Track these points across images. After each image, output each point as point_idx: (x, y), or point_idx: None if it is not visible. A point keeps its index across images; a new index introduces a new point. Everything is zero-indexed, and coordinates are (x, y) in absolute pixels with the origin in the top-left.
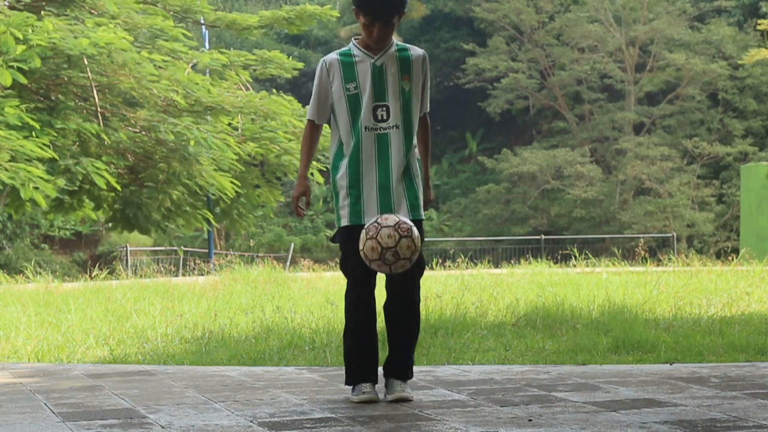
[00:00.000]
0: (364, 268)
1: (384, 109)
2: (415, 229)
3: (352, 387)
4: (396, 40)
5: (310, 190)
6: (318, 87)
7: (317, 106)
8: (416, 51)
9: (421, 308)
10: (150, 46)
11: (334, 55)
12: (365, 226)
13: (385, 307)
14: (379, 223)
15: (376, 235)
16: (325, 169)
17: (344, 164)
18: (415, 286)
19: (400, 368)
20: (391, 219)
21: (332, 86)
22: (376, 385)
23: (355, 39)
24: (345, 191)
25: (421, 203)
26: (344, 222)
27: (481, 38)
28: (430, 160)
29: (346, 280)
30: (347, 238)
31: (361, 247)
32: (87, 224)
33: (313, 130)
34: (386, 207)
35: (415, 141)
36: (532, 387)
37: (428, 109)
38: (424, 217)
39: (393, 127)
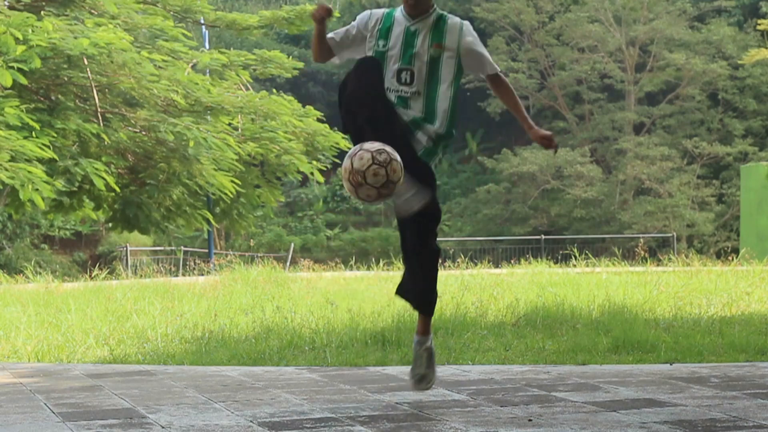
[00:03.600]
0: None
1: (408, 72)
2: (395, 163)
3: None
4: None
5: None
6: (353, 26)
7: (341, 38)
8: (453, 19)
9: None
10: (150, 46)
11: (381, 11)
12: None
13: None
14: (362, 148)
15: (352, 156)
16: (325, 169)
17: None
18: (432, 234)
19: (423, 301)
20: (375, 145)
21: (367, 37)
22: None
23: (401, 6)
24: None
25: (429, 151)
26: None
27: (481, 38)
28: (523, 110)
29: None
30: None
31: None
32: (87, 224)
33: (324, 49)
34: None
35: (439, 106)
36: (532, 387)
37: (495, 71)
38: (430, 163)
39: (414, 92)
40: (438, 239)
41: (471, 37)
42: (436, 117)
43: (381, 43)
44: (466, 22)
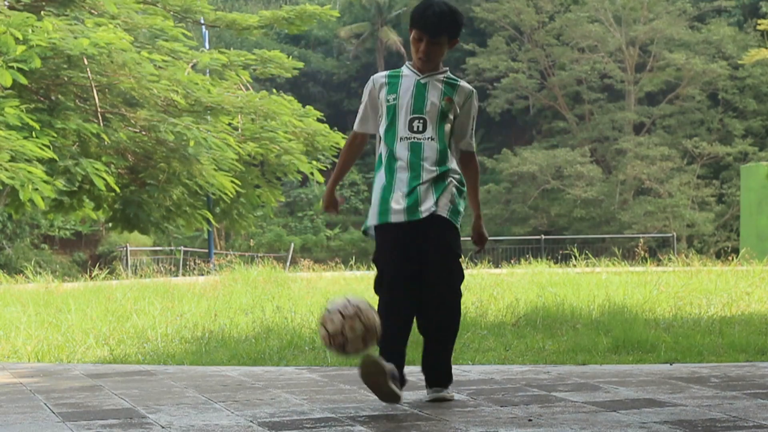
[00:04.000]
0: (398, 267)
1: (421, 121)
2: (361, 308)
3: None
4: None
5: (337, 200)
6: (366, 101)
7: (362, 118)
8: (465, 85)
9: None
10: (150, 46)
11: (383, 73)
12: (323, 316)
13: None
14: (328, 310)
15: (324, 323)
16: (325, 169)
17: (381, 172)
18: (449, 292)
19: (442, 377)
20: (337, 302)
21: (379, 99)
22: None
23: (407, 62)
24: (378, 194)
25: (451, 205)
26: (371, 221)
27: (481, 38)
28: (478, 199)
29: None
30: (377, 235)
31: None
32: (87, 224)
33: (353, 139)
34: (413, 207)
35: (450, 156)
36: (532, 387)
37: (473, 148)
38: (455, 223)
39: (428, 138)
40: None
41: (474, 108)
42: (450, 163)
43: (391, 97)
44: (475, 92)
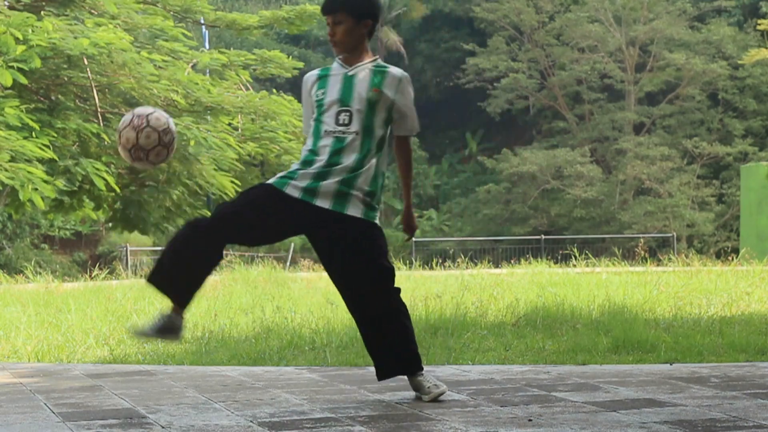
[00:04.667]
0: (232, 217)
1: (347, 114)
2: (173, 140)
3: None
4: (381, 60)
5: None
6: (303, 101)
7: (305, 119)
8: (395, 70)
9: (409, 310)
10: (150, 46)
11: (313, 72)
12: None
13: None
14: (148, 119)
15: (138, 129)
16: None
17: (301, 160)
18: (382, 297)
19: (409, 361)
20: (162, 120)
21: (311, 97)
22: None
23: (338, 57)
24: (293, 168)
25: (372, 204)
26: (271, 180)
27: (481, 38)
28: (411, 185)
29: None
30: (251, 189)
31: (120, 128)
32: (87, 224)
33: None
34: (312, 190)
35: (374, 150)
36: (532, 387)
37: (411, 133)
38: (374, 221)
39: (353, 132)
40: (438, 239)
41: (408, 93)
42: (366, 162)
43: (320, 93)
44: (406, 76)
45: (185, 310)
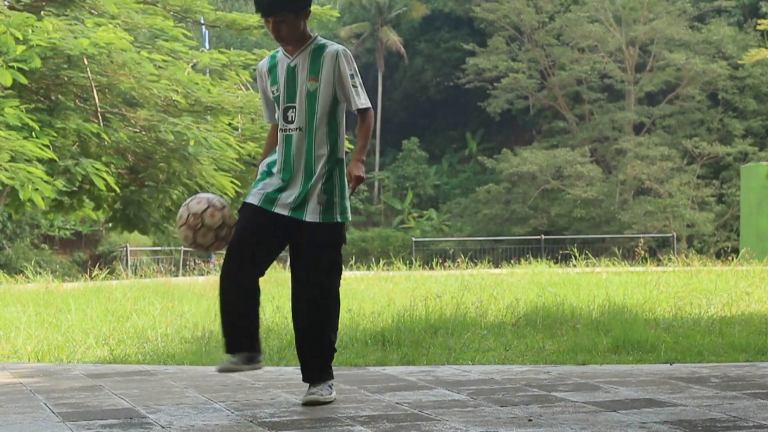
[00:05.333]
0: (244, 243)
1: (293, 110)
2: (213, 202)
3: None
4: (321, 38)
5: None
6: (260, 91)
7: (265, 108)
8: (331, 48)
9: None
10: (150, 46)
11: (265, 58)
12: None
13: (293, 311)
14: (189, 210)
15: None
16: None
17: (265, 161)
18: (321, 287)
19: (311, 372)
20: (194, 206)
21: (267, 88)
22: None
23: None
24: (259, 175)
25: (331, 206)
26: (248, 199)
27: (481, 38)
28: (364, 151)
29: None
30: (241, 212)
31: (181, 238)
32: (87, 224)
33: (272, 131)
34: (292, 207)
35: (317, 143)
36: (532, 387)
37: (361, 106)
38: (337, 219)
39: (297, 129)
40: (438, 239)
41: (346, 68)
42: (314, 159)
43: (274, 89)
44: (343, 50)
45: (259, 345)
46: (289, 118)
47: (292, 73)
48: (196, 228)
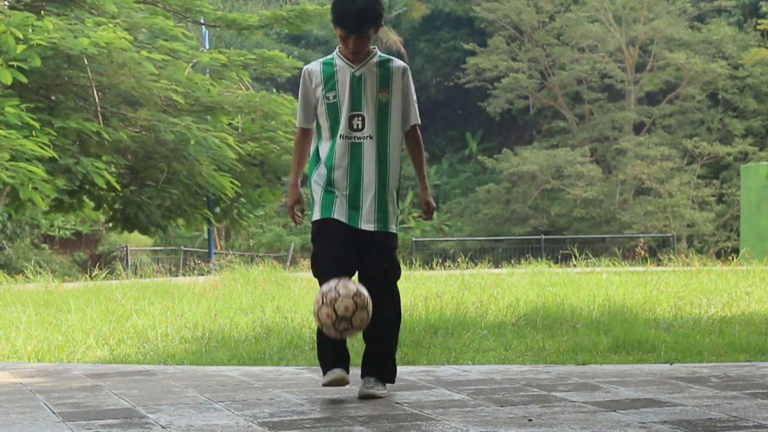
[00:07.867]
0: (334, 266)
1: (360, 118)
2: (369, 300)
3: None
4: (379, 51)
5: (303, 196)
6: (303, 94)
7: (304, 113)
8: (397, 63)
9: (402, 310)
10: (150, 46)
11: (316, 64)
12: (323, 290)
13: None
14: (338, 292)
15: (333, 304)
16: None
17: (320, 167)
18: (390, 292)
19: (377, 368)
20: (350, 287)
21: (315, 93)
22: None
23: (338, 48)
24: (321, 189)
25: (391, 216)
26: (316, 216)
27: (481, 38)
28: (425, 169)
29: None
30: (318, 231)
31: (316, 310)
32: (87, 224)
33: (303, 136)
34: (354, 216)
35: (391, 153)
36: (532, 387)
37: (418, 122)
38: (394, 230)
39: (367, 137)
40: (438, 239)
41: (410, 85)
42: (389, 168)
43: (331, 95)
44: (407, 67)
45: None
46: (355, 126)
47: (358, 82)
48: (344, 331)
